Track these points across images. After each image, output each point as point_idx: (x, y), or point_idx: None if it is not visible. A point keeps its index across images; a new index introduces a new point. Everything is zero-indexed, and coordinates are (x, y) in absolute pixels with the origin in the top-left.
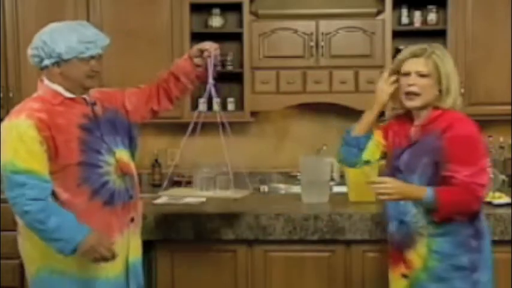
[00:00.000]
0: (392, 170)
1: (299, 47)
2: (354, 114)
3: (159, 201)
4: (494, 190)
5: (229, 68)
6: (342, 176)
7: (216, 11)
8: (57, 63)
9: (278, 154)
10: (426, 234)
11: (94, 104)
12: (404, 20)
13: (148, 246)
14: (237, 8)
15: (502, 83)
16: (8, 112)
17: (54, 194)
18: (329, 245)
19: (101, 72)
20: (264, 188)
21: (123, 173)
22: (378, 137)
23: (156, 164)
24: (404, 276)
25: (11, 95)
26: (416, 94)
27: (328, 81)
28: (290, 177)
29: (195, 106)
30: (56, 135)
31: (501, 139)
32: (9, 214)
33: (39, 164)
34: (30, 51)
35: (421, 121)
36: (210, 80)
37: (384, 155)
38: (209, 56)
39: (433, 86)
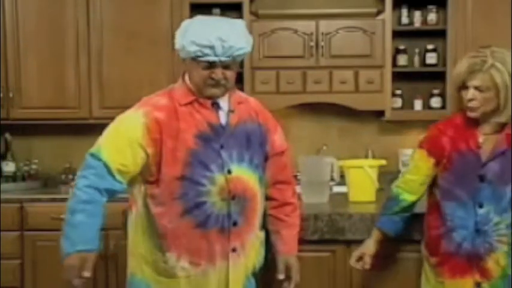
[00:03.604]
0: (466, 178)
1: (299, 47)
2: (353, 114)
3: None
4: None
5: None
6: (342, 176)
7: (216, 11)
8: (183, 59)
9: None
10: (506, 242)
11: (231, 111)
12: (405, 20)
13: None
14: (237, 8)
15: None
16: (7, 112)
17: (147, 206)
18: (329, 245)
19: (230, 83)
20: None
21: (232, 195)
22: (422, 170)
23: None
24: (478, 284)
25: (11, 95)
26: (477, 107)
27: (328, 81)
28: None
29: None
30: (166, 140)
31: None
32: (9, 214)
33: (123, 165)
34: None
35: (495, 128)
36: None
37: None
38: None
39: (493, 98)
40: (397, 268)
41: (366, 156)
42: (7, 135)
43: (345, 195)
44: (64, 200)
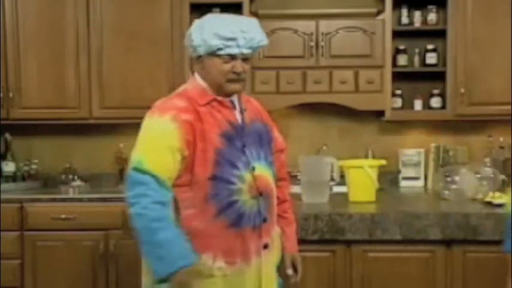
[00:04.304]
0: None
1: (299, 47)
2: (353, 114)
3: None
4: (494, 190)
5: None
6: (342, 176)
7: (216, 10)
8: (199, 57)
9: None
10: None
11: (244, 110)
12: (405, 20)
13: None
14: (237, 8)
15: (502, 83)
16: (7, 112)
17: (179, 207)
18: (329, 245)
19: (246, 78)
20: None
21: (259, 192)
22: None
23: None
24: None
25: (11, 95)
26: None
27: (328, 81)
28: (290, 177)
29: None
30: (198, 141)
31: (501, 139)
32: (9, 214)
33: (168, 172)
34: (184, 41)
35: None
36: None
37: None
38: None
39: None
40: None
41: (366, 156)
42: (7, 135)
43: (345, 195)
44: (64, 200)
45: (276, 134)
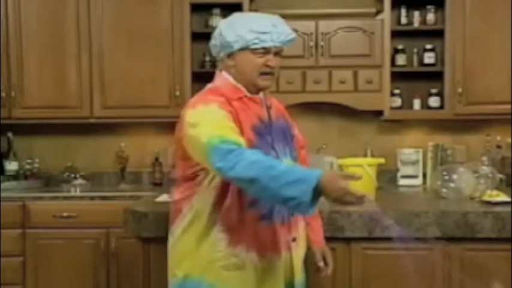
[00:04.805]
0: None
1: (299, 46)
2: (353, 113)
3: (160, 199)
4: (492, 188)
5: None
6: None
7: (217, 11)
8: (231, 54)
9: None
10: None
11: (270, 107)
12: (403, 20)
13: (147, 244)
14: (237, 8)
15: (500, 82)
16: (10, 111)
17: (219, 198)
18: (329, 242)
19: (277, 74)
20: None
21: None
22: None
23: (156, 162)
24: None
25: (13, 94)
26: None
27: (328, 80)
28: None
29: None
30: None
31: (498, 138)
32: (11, 212)
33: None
34: (211, 42)
35: None
36: None
37: None
38: None
39: None
40: None
41: (365, 155)
42: (9, 135)
43: None
44: (66, 198)
45: (296, 131)
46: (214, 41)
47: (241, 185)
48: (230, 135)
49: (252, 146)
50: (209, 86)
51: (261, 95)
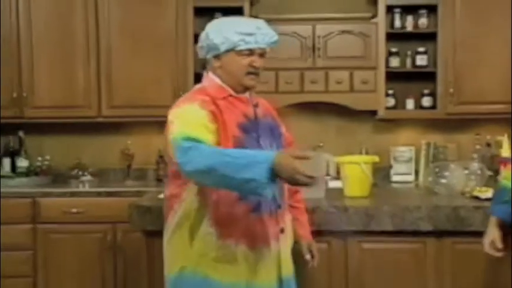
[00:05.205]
0: None
1: (297, 49)
2: (348, 112)
3: (163, 195)
4: (482, 185)
5: None
6: (338, 172)
7: (218, 14)
8: (217, 56)
9: None
10: None
11: (256, 105)
12: (397, 23)
13: (151, 237)
14: (239, 12)
15: (490, 82)
16: (21, 111)
17: (205, 193)
18: (326, 236)
19: (260, 73)
20: None
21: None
22: None
23: (160, 160)
24: None
25: (24, 94)
26: None
27: (325, 81)
28: None
29: None
30: (220, 130)
31: (488, 136)
32: (22, 208)
33: (214, 137)
34: (198, 44)
35: None
36: None
37: None
38: None
39: None
40: None
41: (360, 153)
42: (21, 133)
43: (340, 191)
44: (74, 194)
45: (283, 129)
46: (201, 44)
47: (201, 178)
48: (195, 132)
49: (238, 142)
50: (197, 86)
51: (247, 94)
